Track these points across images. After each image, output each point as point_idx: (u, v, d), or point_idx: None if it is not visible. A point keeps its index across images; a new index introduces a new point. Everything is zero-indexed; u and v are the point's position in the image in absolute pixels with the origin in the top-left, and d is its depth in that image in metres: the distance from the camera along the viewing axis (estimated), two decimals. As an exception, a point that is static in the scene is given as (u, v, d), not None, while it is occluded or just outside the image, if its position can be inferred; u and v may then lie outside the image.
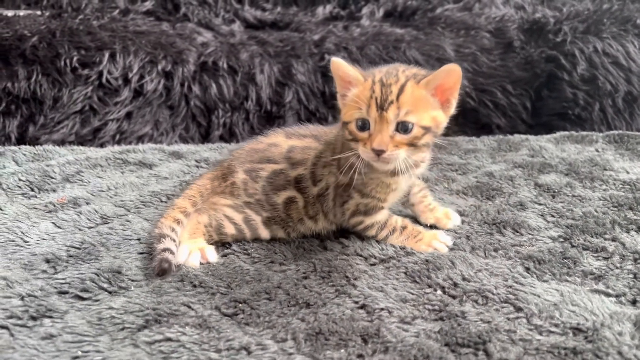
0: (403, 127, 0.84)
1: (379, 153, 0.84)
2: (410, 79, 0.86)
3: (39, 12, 2.18)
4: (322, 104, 2.07)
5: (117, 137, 1.90)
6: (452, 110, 0.92)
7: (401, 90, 0.84)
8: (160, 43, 2.06)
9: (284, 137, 1.04)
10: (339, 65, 0.89)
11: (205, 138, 1.97)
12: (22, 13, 2.17)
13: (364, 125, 0.86)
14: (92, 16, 2.22)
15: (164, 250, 0.85)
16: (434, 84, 0.87)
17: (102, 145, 1.83)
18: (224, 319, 0.74)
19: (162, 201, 1.10)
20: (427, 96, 0.87)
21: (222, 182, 1.00)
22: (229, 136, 1.98)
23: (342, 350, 0.67)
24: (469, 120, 2.06)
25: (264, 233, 0.98)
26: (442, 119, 0.91)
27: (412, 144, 0.86)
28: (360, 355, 0.67)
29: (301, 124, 1.09)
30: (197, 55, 2.04)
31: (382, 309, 0.75)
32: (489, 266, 0.87)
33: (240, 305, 0.77)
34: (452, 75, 0.87)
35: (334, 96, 2.09)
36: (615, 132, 1.55)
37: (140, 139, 1.92)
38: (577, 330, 0.71)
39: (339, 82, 0.91)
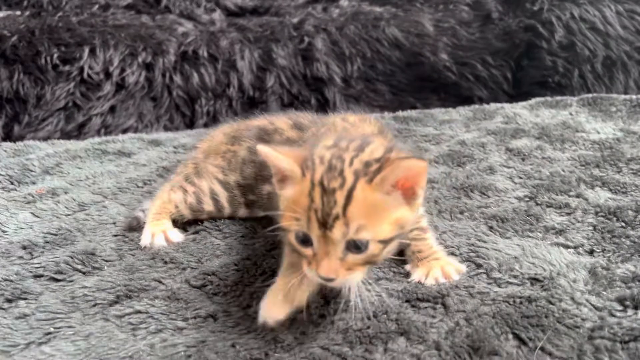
0: (355, 245, 0.63)
1: (327, 280, 0.64)
2: (360, 178, 0.63)
3: (18, 12, 2.19)
4: (305, 87, 2.08)
5: (102, 131, 1.91)
6: (420, 200, 0.68)
7: (349, 198, 0.62)
8: (140, 35, 2.07)
9: (289, 125, 0.95)
10: (267, 155, 0.67)
11: (190, 127, 1.98)
12: (1, 14, 2.18)
13: (305, 239, 0.64)
14: (72, 13, 2.23)
15: (141, 210, 0.93)
16: (391, 181, 0.64)
17: (87, 141, 1.85)
18: (193, 290, 0.76)
19: (138, 187, 1.12)
20: (384, 199, 0.64)
21: (229, 145, 1.00)
22: (214, 124, 1.99)
23: (303, 311, 0.70)
24: (451, 94, 2.07)
25: (243, 212, 0.97)
26: (407, 216, 0.67)
27: (371, 262, 0.66)
28: (322, 315, 0.69)
29: (297, 112, 1.05)
30: (177, 46, 2.05)
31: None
32: (453, 227, 0.89)
33: (209, 277, 0.79)
34: (414, 170, 0.65)
35: (317, 79, 2.11)
36: (589, 95, 1.56)
37: (125, 132, 1.94)
38: (534, 280, 0.73)
39: (272, 168, 0.70)
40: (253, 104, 2.04)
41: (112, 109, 1.95)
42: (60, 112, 1.91)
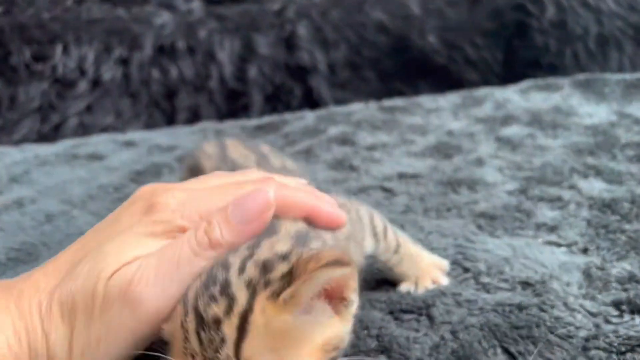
0: None
1: None
2: (258, 293, 0.42)
3: (-13, 10, 2.11)
4: (288, 77, 2.02)
5: (80, 131, 1.85)
6: (355, 307, 0.48)
7: (242, 331, 0.41)
8: (115, 29, 2.00)
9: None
10: None
11: (170, 124, 1.92)
12: (-30, 13, 2.10)
13: None
14: (44, 8, 2.15)
15: None
16: (309, 295, 0.43)
17: (65, 142, 1.79)
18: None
19: (108, 193, 1.07)
20: (301, 320, 0.42)
21: None
22: (195, 119, 1.94)
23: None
24: (440, 78, 2.01)
25: None
26: (341, 332, 0.46)
27: None
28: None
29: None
30: (153, 39, 1.98)
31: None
32: (440, 227, 0.83)
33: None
34: (340, 280, 0.45)
35: (300, 68, 2.04)
36: (582, 76, 1.51)
37: (103, 131, 1.88)
38: (525, 284, 0.68)
39: None
40: (235, 96, 1.98)
41: (89, 108, 1.89)
42: (35, 113, 1.85)
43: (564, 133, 1.16)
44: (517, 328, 0.60)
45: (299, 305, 0.42)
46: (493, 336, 0.60)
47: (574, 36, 1.93)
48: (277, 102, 2.01)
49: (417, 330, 0.62)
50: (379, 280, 0.73)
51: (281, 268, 0.43)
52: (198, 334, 0.40)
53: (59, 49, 1.91)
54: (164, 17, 2.10)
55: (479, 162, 1.06)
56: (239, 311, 0.41)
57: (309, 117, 1.43)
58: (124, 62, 1.93)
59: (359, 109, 1.47)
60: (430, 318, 0.64)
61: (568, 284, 0.67)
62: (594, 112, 1.25)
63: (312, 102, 2.00)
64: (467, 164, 1.06)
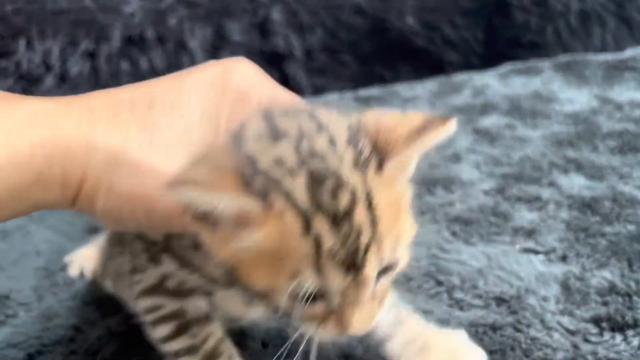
0: (388, 268, 0.42)
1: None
2: (366, 171, 0.40)
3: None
4: (264, 63, 1.90)
5: (49, 128, 1.79)
6: None
7: (372, 211, 0.39)
8: (80, 21, 1.92)
9: None
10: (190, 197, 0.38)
11: (144, 117, 1.87)
12: None
13: (310, 296, 0.39)
14: (7, 1, 2.06)
15: None
16: (410, 161, 0.46)
17: (33, 140, 1.72)
18: (115, 340, 0.67)
19: (68, 203, 1.01)
20: (397, 184, 0.43)
21: None
22: (169, 111, 1.88)
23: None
24: (420, 61, 1.95)
25: None
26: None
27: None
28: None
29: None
30: (121, 29, 1.90)
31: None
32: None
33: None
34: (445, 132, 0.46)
35: (276, 54, 1.97)
36: (563, 58, 1.46)
37: (74, 127, 1.82)
38: (500, 300, 0.65)
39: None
40: (209, 86, 1.91)
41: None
42: (1, 112, 1.78)
43: (543, 122, 1.11)
44: (491, 352, 0.57)
45: (399, 175, 0.43)
46: (465, 362, 0.56)
47: (555, 13, 1.88)
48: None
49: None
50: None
51: (363, 141, 0.41)
52: (336, 231, 0.38)
53: (22, 43, 1.83)
54: (133, 6, 2.01)
55: (456, 157, 1.02)
56: (363, 196, 0.39)
57: (282, 110, 1.37)
58: (92, 55, 1.85)
59: (333, 99, 1.41)
60: (400, 342, 0.60)
61: (545, 299, 0.63)
62: (575, 98, 1.21)
63: (289, 89, 1.94)
64: (443, 160, 1.02)
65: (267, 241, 0.38)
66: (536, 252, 0.72)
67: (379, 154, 0.40)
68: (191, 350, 0.51)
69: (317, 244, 0.38)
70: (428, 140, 0.44)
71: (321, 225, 0.38)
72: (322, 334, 0.42)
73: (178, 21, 1.92)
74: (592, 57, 1.45)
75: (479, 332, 0.60)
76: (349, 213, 0.38)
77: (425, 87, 1.41)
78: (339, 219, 0.38)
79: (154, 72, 1.87)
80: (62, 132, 0.40)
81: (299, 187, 0.38)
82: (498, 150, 1.02)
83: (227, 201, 0.37)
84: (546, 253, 0.72)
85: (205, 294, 0.51)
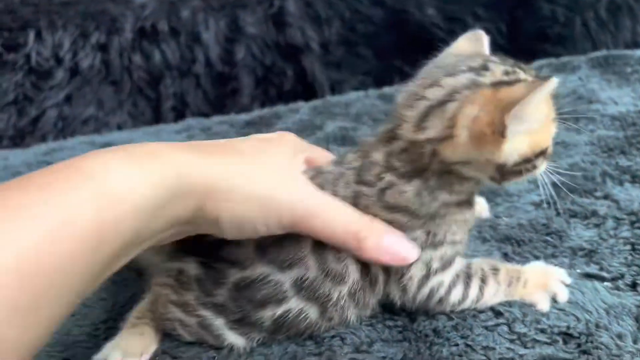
0: None
1: None
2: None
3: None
4: (279, 57, 1.88)
5: (60, 124, 1.74)
6: None
7: None
8: (91, 12, 1.85)
9: None
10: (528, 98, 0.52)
11: (156, 111, 1.80)
12: None
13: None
14: (14, -9, 1.99)
15: None
16: None
17: (44, 137, 1.67)
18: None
19: (85, 213, 0.95)
20: None
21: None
22: (182, 106, 1.81)
23: None
24: (440, 53, 1.88)
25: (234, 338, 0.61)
26: None
27: None
28: None
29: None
30: (133, 21, 1.83)
31: (332, 337, 0.62)
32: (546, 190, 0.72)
33: None
34: None
35: (292, 47, 1.90)
36: (600, 53, 1.38)
37: (85, 123, 1.76)
38: (567, 336, 0.58)
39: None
40: (223, 80, 1.85)
41: (68, 99, 1.76)
42: (10, 107, 1.72)
43: (588, 125, 1.04)
44: (567, 401, 0.51)
45: None
46: (539, 411, 0.50)
47: (583, 4, 1.80)
48: (268, 84, 1.88)
49: (446, 404, 0.53)
50: (391, 325, 0.63)
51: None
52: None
53: (31, 35, 1.76)
54: (143, -4, 1.94)
55: (497, 165, 0.95)
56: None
57: (303, 109, 1.31)
58: (103, 47, 1.79)
59: (357, 98, 1.34)
60: (461, 386, 0.55)
61: (620, 336, 0.57)
62: (618, 98, 1.14)
63: (305, 83, 1.88)
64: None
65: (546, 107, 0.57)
66: (602, 279, 0.66)
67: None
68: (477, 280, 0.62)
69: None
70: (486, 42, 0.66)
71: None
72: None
73: (191, 12, 1.85)
74: (630, 52, 1.37)
75: (549, 373, 0.54)
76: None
77: (455, 85, 1.34)
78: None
79: (167, 66, 1.81)
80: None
81: (524, 72, 0.59)
82: (542, 157, 0.95)
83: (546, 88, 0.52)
84: (613, 280, 0.65)
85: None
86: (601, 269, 0.67)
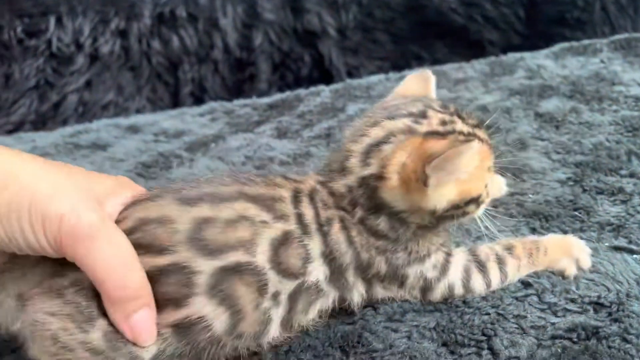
0: None
1: None
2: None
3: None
4: (297, 43, 1.89)
5: (80, 109, 1.75)
6: None
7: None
8: (110, -2, 1.86)
9: (177, 204, 0.55)
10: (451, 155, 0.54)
11: (175, 97, 1.82)
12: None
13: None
14: (33, -23, 2.01)
15: None
16: None
17: (65, 122, 1.69)
18: None
19: (115, 191, 0.97)
20: None
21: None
22: (200, 91, 1.83)
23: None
24: (458, 39, 1.88)
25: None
26: None
27: None
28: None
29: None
30: (152, 7, 1.84)
31: (365, 307, 0.63)
32: (488, 231, 0.74)
33: None
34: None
35: (309, 32, 1.90)
36: (621, 36, 1.37)
37: (105, 108, 1.78)
38: (598, 305, 0.60)
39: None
40: (241, 66, 1.86)
41: (88, 84, 1.78)
42: (32, 92, 1.74)
43: (611, 106, 1.05)
44: (600, 365, 0.52)
45: None
46: (573, 376, 0.52)
47: (603, -13, 1.79)
48: (285, 70, 1.89)
49: (480, 368, 0.54)
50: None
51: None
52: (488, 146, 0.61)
53: (52, 21, 1.78)
54: (162, -18, 1.95)
55: (522, 144, 0.96)
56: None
57: (324, 92, 1.32)
58: (122, 33, 1.80)
59: (378, 81, 1.35)
60: (494, 352, 0.56)
61: (651, 306, 0.58)
62: (641, 80, 1.14)
63: (322, 69, 1.88)
64: (507, 146, 0.96)
65: (479, 160, 0.58)
66: (630, 252, 0.66)
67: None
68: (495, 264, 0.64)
69: (488, 145, 0.61)
70: (433, 84, 0.68)
71: (481, 134, 0.61)
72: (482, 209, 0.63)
73: (209, -2, 1.86)
74: (652, 35, 1.37)
75: (580, 338, 0.55)
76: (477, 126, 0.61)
77: (476, 68, 1.34)
78: (486, 139, 0.61)
79: (186, 51, 1.82)
80: None
81: (460, 123, 0.60)
82: (566, 137, 0.96)
83: (470, 150, 0.54)
84: (641, 252, 0.66)
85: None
86: (630, 242, 0.68)
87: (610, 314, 0.58)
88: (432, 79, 0.67)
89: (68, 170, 0.54)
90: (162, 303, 0.51)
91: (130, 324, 0.50)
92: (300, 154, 1.03)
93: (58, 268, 0.52)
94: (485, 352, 0.56)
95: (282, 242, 0.54)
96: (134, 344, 0.50)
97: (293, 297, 0.55)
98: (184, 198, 0.54)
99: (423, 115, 0.58)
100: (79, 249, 0.48)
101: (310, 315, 0.58)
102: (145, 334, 0.51)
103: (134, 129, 1.24)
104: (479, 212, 0.62)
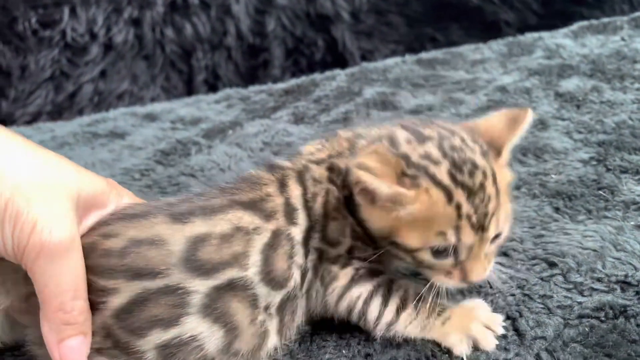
0: (496, 236, 0.56)
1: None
2: (489, 157, 0.55)
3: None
4: (310, 27, 1.88)
5: (96, 99, 1.76)
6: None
7: (497, 186, 0.54)
8: (122, -13, 1.86)
9: (169, 221, 0.53)
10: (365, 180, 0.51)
11: (188, 85, 1.82)
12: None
13: (445, 251, 0.53)
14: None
15: None
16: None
17: (81, 112, 1.70)
18: None
19: (135, 179, 0.98)
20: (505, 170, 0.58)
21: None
22: (214, 79, 1.83)
23: (344, 351, 0.57)
24: (473, 20, 1.85)
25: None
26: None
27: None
28: (368, 355, 0.56)
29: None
30: (164, -5, 1.84)
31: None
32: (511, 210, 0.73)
33: None
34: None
35: (322, 17, 1.89)
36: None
37: (120, 98, 1.78)
38: (625, 284, 0.59)
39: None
40: (254, 52, 1.85)
41: (103, 74, 1.79)
42: (48, 83, 1.75)
43: (633, 84, 1.03)
44: (632, 342, 0.52)
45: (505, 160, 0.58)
46: (603, 353, 0.51)
47: (621, -35, 1.75)
48: (299, 55, 1.88)
49: (506, 350, 0.54)
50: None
51: (480, 140, 0.56)
52: (471, 200, 0.52)
53: (66, 12, 1.78)
54: (173, -31, 1.95)
55: (542, 124, 0.95)
56: (491, 174, 0.54)
57: (340, 76, 1.31)
58: (136, 22, 1.80)
59: (394, 63, 1.34)
60: (519, 333, 0.55)
61: (679, 284, 0.57)
62: (663, 57, 1.12)
63: (336, 53, 1.87)
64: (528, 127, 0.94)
65: (419, 211, 0.52)
66: (657, 231, 0.66)
67: (494, 146, 0.57)
68: (403, 303, 0.57)
69: (458, 210, 0.52)
70: (524, 127, 0.58)
71: (460, 196, 0.52)
72: (447, 283, 0.56)
73: (222, -15, 1.85)
74: (674, 11, 1.34)
75: (608, 317, 0.55)
76: (481, 187, 0.53)
77: (492, 48, 1.33)
78: (474, 191, 0.52)
79: (199, 39, 1.82)
80: None
81: (443, 170, 0.53)
82: (588, 117, 0.95)
83: (385, 187, 0.51)
84: (668, 231, 0.65)
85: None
86: (656, 220, 0.67)
87: (637, 292, 0.57)
88: (528, 121, 0.58)
89: (58, 165, 0.51)
90: (147, 325, 0.49)
91: (61, 350, 0.48)
92: (318, 138, 1.03)
93: None
94: (510, 333, 0.56)
95: (271, 245, 0.54)
96: None
97: (281, 309, 0.55)
98: (175, 214, 0.53)
99: (422, 139, 0.55)
100: (37, 263, 0.47)
101: (296, 322, 0.57)
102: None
103: (151, 117, 1.24)
104: (431, 276, 0.56)
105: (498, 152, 0.56)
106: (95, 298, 0.50)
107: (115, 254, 0.50)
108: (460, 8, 1.87)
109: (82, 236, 0.51)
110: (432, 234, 0.52)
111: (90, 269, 0.50)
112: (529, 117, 0.58)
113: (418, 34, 1.89)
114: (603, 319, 0.55)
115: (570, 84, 1.07)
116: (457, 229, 0.52)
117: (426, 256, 0.54)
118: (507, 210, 0.55)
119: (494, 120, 0.59)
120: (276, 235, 0.54)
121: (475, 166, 0.53)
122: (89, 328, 0.50)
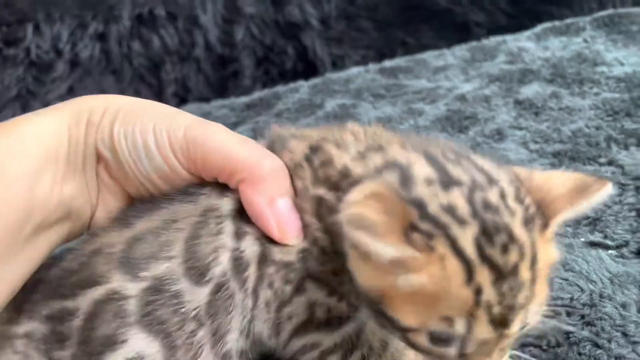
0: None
1: None
2: (533, 231, 0.40)
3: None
4: (279, 36, 1.86)
5: (64, 117, 1.74)
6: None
7: (535, 271, 0.39)
8: (88, 2, 1.83)
9: (118, 229, 0.49)
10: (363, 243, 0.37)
11: (159, 98, 1.79)
12: None
13: (447, 340, 0.39)
14: (9, -16, 1.98)
15: None
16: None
17: (49, 130, 1.67)
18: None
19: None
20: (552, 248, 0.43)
21: None
22: (184, 91, 1.81)
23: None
24: (444, 23, 1.84)
25: None
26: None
27: None
28: None
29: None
30: (130, 8, 1.81)
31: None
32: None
33: None
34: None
35: (291, 24, 1.87)
36: (605, 12, 1.34)
37: (89, 114, 1.76)
38: (571, 308, 0.58)
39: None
40: (224, 63, 1.83)
41: (71, 90, 1.76)
42: (14, 102, 1.72)
43: (592, 89, 1.02)
44: (570, 373, 0.50)
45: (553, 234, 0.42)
46: (542, 387, 0.50)
47: (590, -38, 1.74)
48: (269, 64, 1.87)
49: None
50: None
51: (527, 200, 0.41)
52: (497, 286, 0.38)
53: (29, 29, 1.76)
54: (140, -18, 1.92)
55: (499, 134, 0.93)
56: (530, 255, 0.39)
57: (303, 88, 1.29)
58: (101, 36, 1.78)
59: (357, 73, 1.32)
60: None
61: (624, 306, 0.56)
62: (624, 59, 1.11)
63: (306, 61, 1.86)
64: (485, 137, 0.93)
65: (425, 283, 0.38)
66: (606, 247, 0.64)
67: (543, 214, 0.41)
68: None
69: (477, 295, 0.37)
70: (590, 202, 0.42)
71: (484, 277, 0.37)
72: None
73: (188, -5, 1.83)
74: (637, 10, 1.33)
75: (551, 346, 0.54)
76: (514, 270, 0.38)
77: (455, 54, 1.31)
78: (504, 274, 0.38)
79: (167, 51, 1.80)
80: None
81: (468, 236, 0.38)
82: (545, 125, 0.93)
83: (389, 250, 0.37)
84: (617, 247, 0.64)
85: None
86: (605, 236, 0.66)
87: (582, 316, 0.56)
88: (601, 195, 0.43)
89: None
90: (99, 350, 0.44)
91: (275, 210, 0.46)
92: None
93: (14, 315, 0.47)
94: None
95: (199, 224, 0.47)
96: None
97: (210, 311, 0.46)
98: (123, 220, 0.49)
99: (448, 183, 0.40)
100: (207, 143, 0.48)
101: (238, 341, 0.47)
102: (291, 225, 0.46)
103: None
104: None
105: (545, 223, 0.41)
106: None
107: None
108: (430, 11, 1.86)
109: None
110: (434, 316, 0.39)
111: None
112: (605, 191, 0.42)
113: (389, 38, 1.88)
114: (544, 348, 0.54)
115: (529, 90, 1.06)
116: (470, 319, 0.38)
117: (421, 339, 0.40)
118: (542, 301, 0.41)
119: (557, 180, 0.43)
120: (205, 212, 0.47)
121: (512, 238, 0.38)
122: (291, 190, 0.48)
